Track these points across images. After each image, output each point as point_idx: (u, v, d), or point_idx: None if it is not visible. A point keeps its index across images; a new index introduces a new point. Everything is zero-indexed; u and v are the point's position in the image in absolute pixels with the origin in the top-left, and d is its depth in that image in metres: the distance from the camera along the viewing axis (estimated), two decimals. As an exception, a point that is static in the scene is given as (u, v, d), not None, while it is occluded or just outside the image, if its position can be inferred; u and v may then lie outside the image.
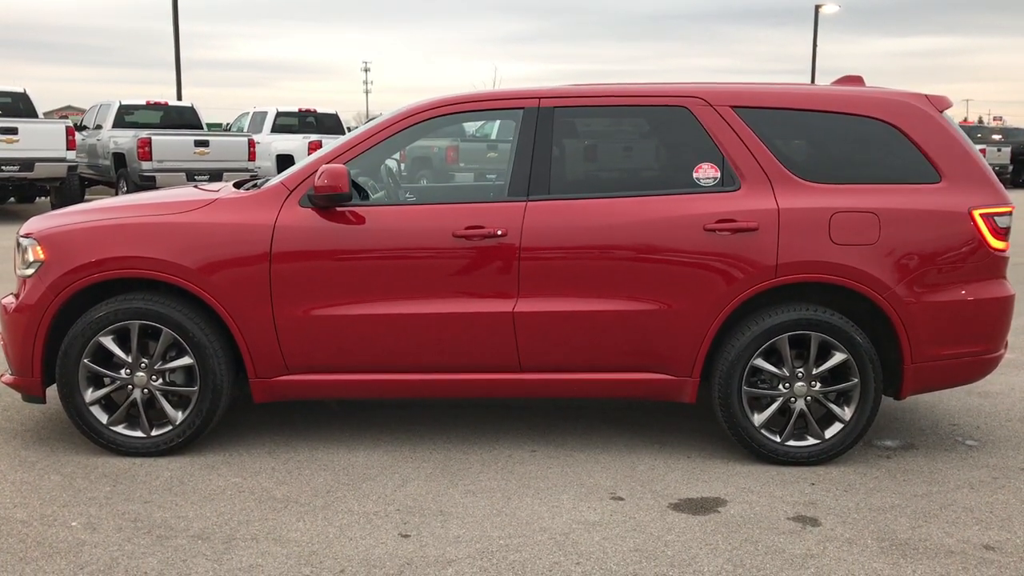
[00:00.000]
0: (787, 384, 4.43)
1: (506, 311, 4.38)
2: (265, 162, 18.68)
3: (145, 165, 16.04)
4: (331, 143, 4.79)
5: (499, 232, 4.37)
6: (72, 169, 15.72)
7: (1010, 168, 28.75)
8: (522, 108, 4.56)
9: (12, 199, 17.94)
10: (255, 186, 4.84)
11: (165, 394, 4.49)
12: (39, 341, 4.43)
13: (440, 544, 3.60)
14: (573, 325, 4.40)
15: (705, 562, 3.48)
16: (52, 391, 4.62)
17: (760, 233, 4.34)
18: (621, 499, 4.06)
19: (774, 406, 4.45)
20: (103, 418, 4.48)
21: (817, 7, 36.86)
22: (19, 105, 15.89)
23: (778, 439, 4.45)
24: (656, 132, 4.83)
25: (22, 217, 14.58)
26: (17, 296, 4.58)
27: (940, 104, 4.60)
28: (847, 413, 4.44)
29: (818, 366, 4.42)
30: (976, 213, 4.40)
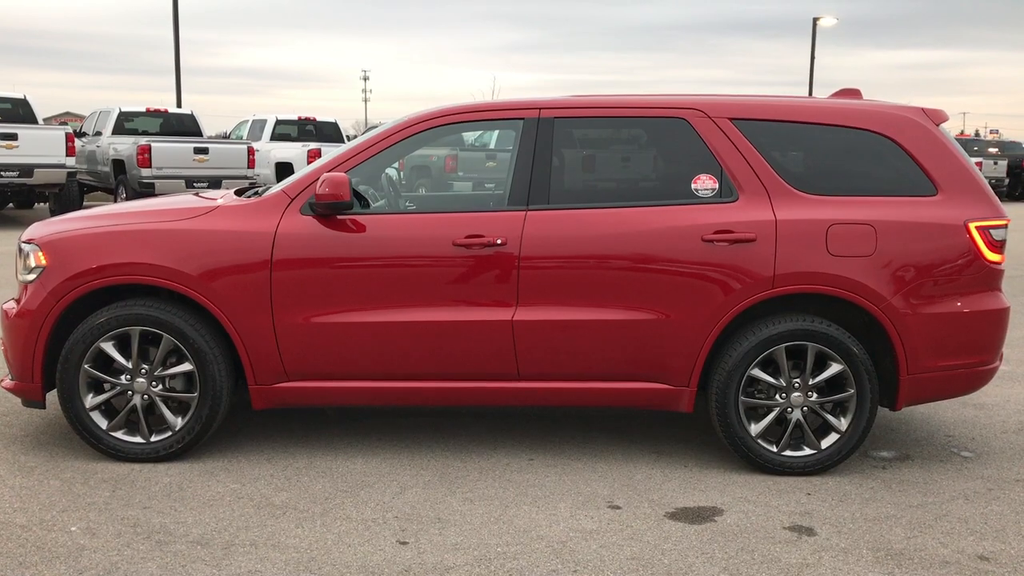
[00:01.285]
0: (784, 394, 4.46)
1: (505, 320, 4.41)
2: (264, 170, 18.73)
3: (144, 172, 16.08)
4: (331, 151, 4.82)
5: (499, 241, 4.40)
6: (71, 175, 15.75)
7: (1006, 181, 28.83)
8: (522, 118, 4.60)
9: (11, 204, 17.97)
10: (256, 194, 4.86)
11: (165, 400, 4.51)
12: (40, 346, 4.45)
13: (438, 551, 3.61)
14: (571, 334, 4.43)
15: (701, 571, 3.49)
16: (52, 396, 4.64)
17: (757, 244, 4.37)
18: (618, 508, 4.08)
19: (771, 416, 4.48)
20: (103, 424, 4.49)
21: (815, 19, 37.05)
22: (19, 111, 15.91)
23: (774, 449, 4.47)
24: (655, 143, 4.86)
25: (21, 223, 14.60)
26: (18, 301, 4.60)
27: (937, 117, 4.64)
28: (843, 423, 4.46)
29: (814, 376, 4.45)
30: (972, 226, 4.44)
